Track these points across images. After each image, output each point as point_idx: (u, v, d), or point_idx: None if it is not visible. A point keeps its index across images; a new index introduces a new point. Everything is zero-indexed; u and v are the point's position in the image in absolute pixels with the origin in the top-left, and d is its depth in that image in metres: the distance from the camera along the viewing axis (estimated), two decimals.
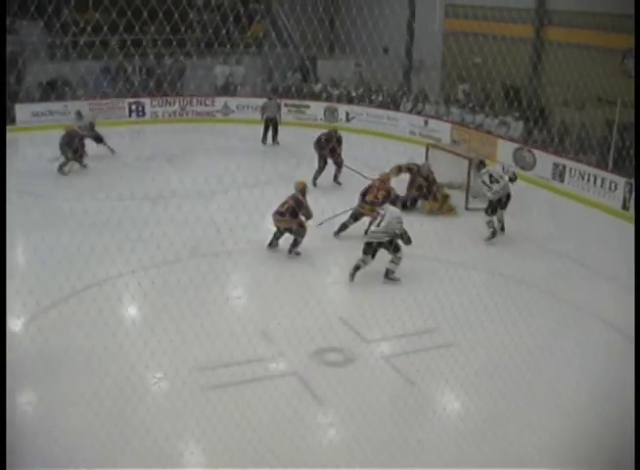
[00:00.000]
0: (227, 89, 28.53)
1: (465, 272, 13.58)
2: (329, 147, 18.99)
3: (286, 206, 14.20)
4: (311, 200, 14.35)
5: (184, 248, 13.39)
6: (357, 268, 13.27)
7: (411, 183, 17.90)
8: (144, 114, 26.60)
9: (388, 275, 13.44)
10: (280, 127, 23.68)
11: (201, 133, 24.51)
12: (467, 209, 17.97)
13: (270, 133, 23.90)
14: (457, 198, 18.05)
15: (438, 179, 18.04)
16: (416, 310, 11.08)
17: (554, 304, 12.83)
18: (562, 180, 20.19)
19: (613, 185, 18.63)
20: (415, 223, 14.17)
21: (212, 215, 13.62)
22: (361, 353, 10.95)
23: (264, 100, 24.51)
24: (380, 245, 13.28)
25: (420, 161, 18.56)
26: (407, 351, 11.05)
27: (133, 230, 12.77)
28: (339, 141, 19.57)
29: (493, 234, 15.89)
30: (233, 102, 27.57)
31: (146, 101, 26.52)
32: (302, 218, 14.25)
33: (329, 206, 14.20)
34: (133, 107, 26.42)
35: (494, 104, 23.83)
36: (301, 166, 20.44)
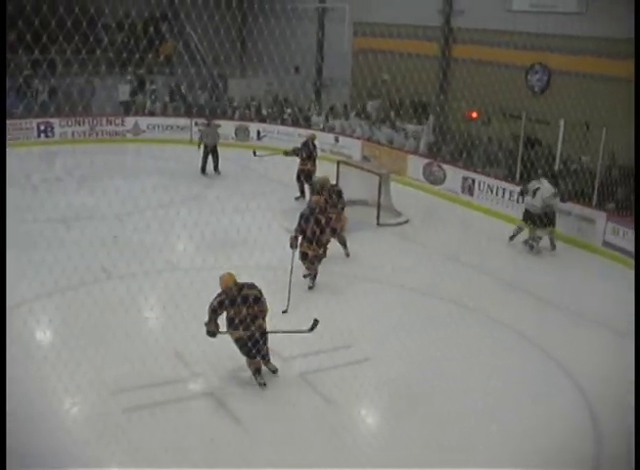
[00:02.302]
0: (128, 107, 28.32)
1: (379, 287, 13.80)
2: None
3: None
4: None
5: (101, 270, 13.32)
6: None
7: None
8: (53, 134, 26.20)
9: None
10: (192, 147, 23.42)
11: (112, 153, 24.28)
12: (378, 224, 18.22)
13: (211, 162, 22.71)
14: (369, 214, 18.28)
15: (350, 196, 18.25)
16: (332, 326, 11.22)
17: (469, 316, 13.05)
18: (471, 194, 20.62)
19: (520, 198, 19.09)
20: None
21: (127, 236, 13.56)
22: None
23: (201, 127, 23.70)
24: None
25: (331, 178, 18.78)
26: (324, 367, 11.14)
27: (49, 252, 12.68)
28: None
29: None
30: (143, 121, 27.34)
31: (55, 121, 26.11)
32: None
33: None
34: (42, 127, 26.00)
35: (401, 119, 24.28)
36: (214, 187, 20.51)
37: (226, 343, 10.43)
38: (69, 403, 9.93)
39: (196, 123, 26.34)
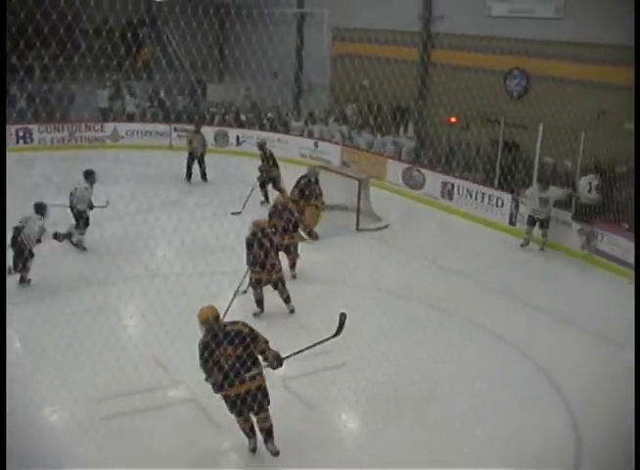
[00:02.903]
0: (106, 113, 28.20)
1: (359, 291, 13.80)
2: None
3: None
4: None
5: (79, 277, 13.26)
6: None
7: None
8: (32, 140, 26.06)
9: None
10: (172, 153, 23.34)
11: (91, 160, 24.09)
12: (358, 229, 18.24)
13: (197, 169, 22.52)
14: (349, 219, 18.30)
15: (329, 201, 18.26)
16: (307, 332, 11.21)
17: (449, 320, 13.06)
18: (450, 198, 20.69)
19: (499, 201, 19.20)
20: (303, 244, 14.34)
21: (106, 242, 13.51)
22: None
23: (189, 133, 23.53)
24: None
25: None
26: (305, 372, 11.14)
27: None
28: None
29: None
30: (122, 127, 27.25)
31: (34, 127, 25.96)
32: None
33: None
34: (20, 133, 25.86)
35: (381, 125, 24.32)
36: (193, 193, 20.48)
37: None
38: (49, 411, 9.88)
39: (175, 129, 26.31)
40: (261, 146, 20.58)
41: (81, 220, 15.63)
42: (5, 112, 21.57)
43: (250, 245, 13.00)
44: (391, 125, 24.50)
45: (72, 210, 15.97)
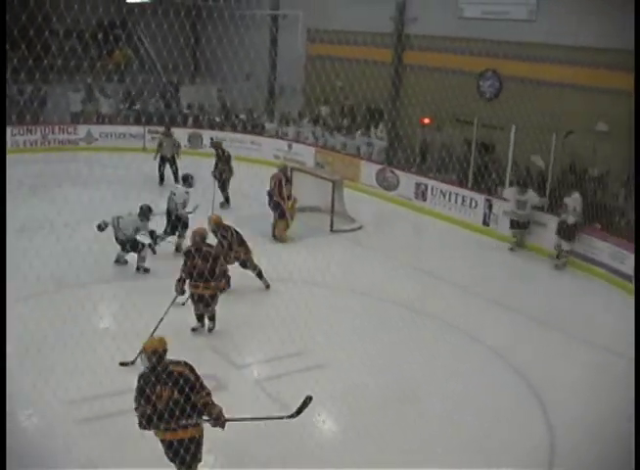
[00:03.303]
0: (78, 116, 27.98)
1: (331, 293, 13.78)
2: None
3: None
4: None
5: (50, 280, 13.14)
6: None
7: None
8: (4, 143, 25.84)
9: None
10: (145, 155, 23.15)
11: (64, 162, 23.96)
12: (332, 231, 18.22)
13: (169, 173, 22.28)
14: (322, 220, 18.30)
15: (303, 203, 18.25)
16: (285, 333, 11.19)
17: (422, 321, 13.02)
18: (424, 199, 20.73)
19: (473, 202, 19.27)
20: (275, 245, 14.28)
21: (77, 245, 13.37)
22: (233, 379, 10.95)
23: (160, 136, 23.29)
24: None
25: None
26: (279, 374, 11.13)
27: None
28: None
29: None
30: (96, 130, 27.08)
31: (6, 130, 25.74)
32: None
33: None
34: None
35: (355, 126, 24.35)
36: (166, 195, 20.36)
37: (176, 353, 10.34)
38: (27, 414, 9.80)
39: (148, 131, 26.19)
40: (217, 146, 20.45)
41: (179, 224, 15.56)
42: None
43: (189, 255, 12.05)
44: (365, 126, 24.51)
45: (170, 214, 15.99)
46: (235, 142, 25.89)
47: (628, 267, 15.51)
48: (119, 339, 10.93)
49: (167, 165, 22.23)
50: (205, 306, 12.17)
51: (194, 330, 12.31)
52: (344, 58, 22.26)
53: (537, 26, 20.10)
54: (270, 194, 17.40)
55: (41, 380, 9.93)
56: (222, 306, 12.42)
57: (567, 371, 11.78)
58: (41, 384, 9.90)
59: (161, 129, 23.62)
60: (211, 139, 21.87)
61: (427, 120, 22.32)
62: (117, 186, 20.33)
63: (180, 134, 25.34)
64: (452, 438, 9.77)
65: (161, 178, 22.35)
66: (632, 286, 15.41)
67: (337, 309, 12.48)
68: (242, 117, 27.48)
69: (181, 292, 11.90)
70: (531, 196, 17.48)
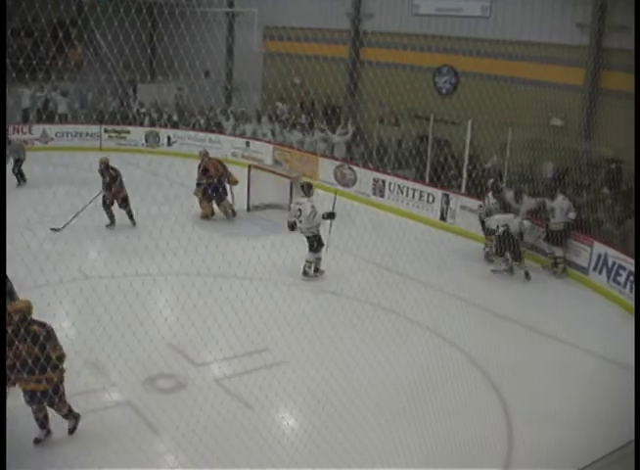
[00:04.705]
0: (27, 115, 27.74)
1: (290, 290, 13.83)
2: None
3: None
4: None
5: (12, 278, 13.05)
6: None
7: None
8: None
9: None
10: (101, 153, 22.87)
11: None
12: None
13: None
14: (281, 217, 18.36)
15: (262, 200, 18.34)
16: (243, 331, 11.24)
17: (383, 316, 13.14)
18: (382, 195, 20.87)
19: (430, 197, 19.44)
20: (235, 243, 14.32)
21: (38, 245, 13.29)
22: (192, 378, 11.00)
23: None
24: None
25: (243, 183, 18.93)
26: (238, 372, 11.19)
27: None
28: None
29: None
30: (52, 129, 26.90)
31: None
32: None
33: None
34: None
35: (313, 122, 24.42)
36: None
37: (138, 350, 10.37)
38: None
39: (105, 130, 26.09)
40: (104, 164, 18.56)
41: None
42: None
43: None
44: (323, 123, 24.60)
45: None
46: (193, 140, 25.96)
47: (583, 260, 15.81)
48: (81, 340, 10.92)
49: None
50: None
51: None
52: (302, 55, 22.34)
53: (491, 23, 20.34)
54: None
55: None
56: (178, 304, 12.48)
57: (525, 366, 11.91)
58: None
59: (119, 128, 23.55)
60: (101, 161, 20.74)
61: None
62: (78, 186, 20.21)
63: (137, 133, 25.32)
64: (415, 433, 9.78)
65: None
66: (589, 279, 15.74)
67: (296, 307, 12.49)
68: (201, 120, 27.46)
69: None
70: (526, 202, 17.04)
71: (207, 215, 19.09)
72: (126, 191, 17.93)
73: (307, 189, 16.05)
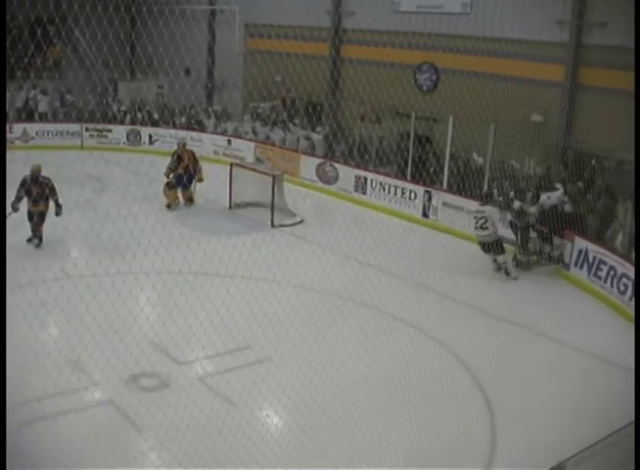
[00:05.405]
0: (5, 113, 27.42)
1: (273, 288, 13.82)
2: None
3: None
4: None
5: None
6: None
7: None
8: None
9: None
10: (84, 153, 22.79)
11: None
12: (273, 225, 18.29)
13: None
14: (263, 215, 18.38)
15: (243, 198, 18.32)
16: (226, 329, 11.24)
17: (366, 312, 13.16)
18: (364, 192, 20.89)
19: (412, 194, 19.46)
20: (216, 241, 14.32)
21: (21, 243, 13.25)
22: (175, 376, 10.96)
23: None
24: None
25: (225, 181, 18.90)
26: (221, 370, 11.15)
27: None
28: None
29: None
30: (32, 128, 26.68)
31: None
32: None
33: None
34: None
35: (294, 121, 24.40)
36: (106, 192, 20.27)
37: (121, 349, 10.34)
38: None
39: (86, 129, 25.97)
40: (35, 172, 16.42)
41: None
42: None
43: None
44: (304, 120, 24.59)
45: None
46: (175, 138, 25.80)
47: (565, 255, 15.87)
48: (64, 339, 10.89)
49: None
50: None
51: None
52: (283, 52, 22.31)
53: (472, 20, 20.38)
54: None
55: None
56: (160, 302, 12.43)
57: (510, 363, 11.93)
58: None
59: (100, 126, 23.46)
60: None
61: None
62: (59, 184, 20.12)
63: (118, 132, 25.23)
64: (399, 431, 9.76)
65: None
66: (570, 274, 15.79)
67: (278, 304, 12.48)
68: (182, 118, 27.39)
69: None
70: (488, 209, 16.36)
71: (171, 204, 19.67)
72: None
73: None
